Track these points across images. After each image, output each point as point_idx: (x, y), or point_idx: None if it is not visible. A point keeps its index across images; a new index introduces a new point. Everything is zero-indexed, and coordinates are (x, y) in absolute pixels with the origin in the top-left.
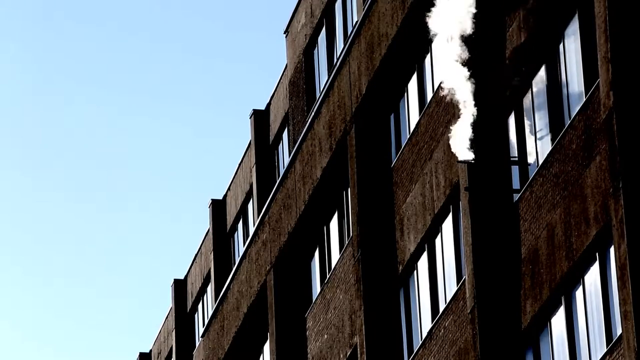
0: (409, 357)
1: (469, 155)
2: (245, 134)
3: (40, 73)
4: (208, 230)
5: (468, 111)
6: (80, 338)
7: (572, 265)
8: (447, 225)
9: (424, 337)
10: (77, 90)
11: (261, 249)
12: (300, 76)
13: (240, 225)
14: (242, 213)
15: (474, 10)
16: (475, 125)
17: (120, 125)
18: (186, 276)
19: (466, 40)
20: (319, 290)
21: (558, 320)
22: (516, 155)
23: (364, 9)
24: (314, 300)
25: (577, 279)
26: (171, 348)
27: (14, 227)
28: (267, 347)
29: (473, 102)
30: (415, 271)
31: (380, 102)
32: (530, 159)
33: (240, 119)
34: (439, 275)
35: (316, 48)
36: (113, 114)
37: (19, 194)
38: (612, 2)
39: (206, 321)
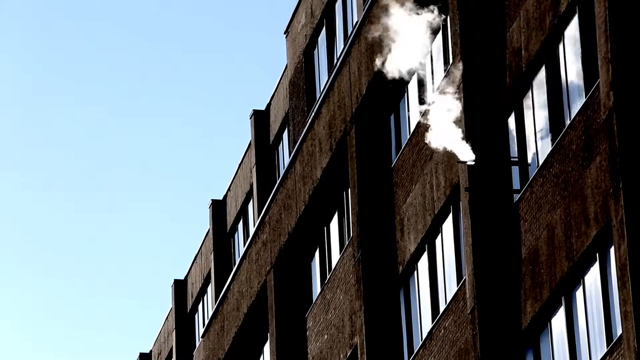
0: (409, 358)
1: (469, 156)
2: (245, 134)
3: (40, 73)
4: (208, 231)
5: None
6: (80, 338)
7: (572, 266)
8: (448, 225)
9: (424, 337)
10: (77, 90)
11: (261, 249)
12: (300, 76)
13: (240, 225)
14: (242, 213)
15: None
16: (473, 125)
17: (120, 125)
18: (186, 276)
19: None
20: (319, 290)
21: (558, 321)
22: (516, 156)
23: (364, 9)
24: (314, 301)
25: (577, 279)
26: (171, 348)
27: (13, 227)
28: (267, 348)
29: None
30: (415, 271)
31: (380, 102)
32: (530, 159)
33: (240, 119)
34: (439, 275)
35: (316, 48)
36: (113, 114)
37: (19, 194)
38: (612, 2)
39: (206, 321)
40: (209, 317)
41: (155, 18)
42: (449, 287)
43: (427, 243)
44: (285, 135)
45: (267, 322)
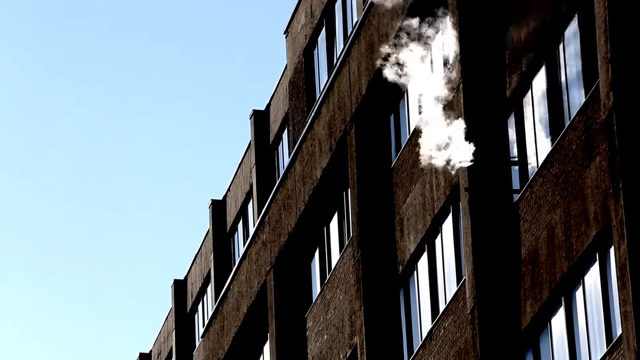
0: (409, 358)
1: (469, 157)
2: (245, 134)
3: (40, 73)
4: (208, 231)
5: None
6: (80, 338)
7: (572, 266)
8: (447, 225)
9: (424, 337)
10: (77, 90)
11: (261, 250)
12: (300, 76)
13: (240, 225)
14: (242, 213)
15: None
16: (473, 127)
17: (119, 125)
18: (186, 276)
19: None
20: (319, 290)
21: (558, 321)
22: (516, 156)
23: (364, 9)
24: (314, 301)
25: (577, 279)
26: (171, 348)
27: (13, 227)
28: (267, 348)
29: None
30: (415, 271)
31: (380, 102)
32: (530, 159)
33: (240, 119)
34: (439, 275)
35: (316, 48)
36: (113, 114)
37: (19, 194)
38: (612, 2)
39: (206, 321)
40: (209, 317)
41: (155, 18)
42: (448, 287)
43: (427, 243)
44: (285, 135)
45: (267, 322)
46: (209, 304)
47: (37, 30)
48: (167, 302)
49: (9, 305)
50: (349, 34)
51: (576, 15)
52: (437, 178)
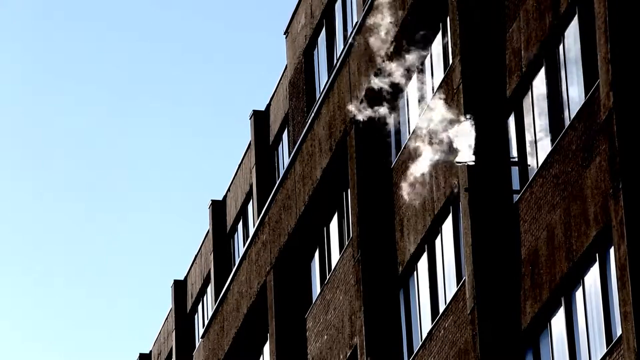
0: (409, 358)
1: (468, 157)
2: (245, 134)
3: (40, 73)
4: (208, 231)
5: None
6: (80, 338)
7: (572, 266)
8: (447, 226)
9: (424, 338)
10: (77, 90)
11: (261, 250)
12: (300, 77)
13: (240, 226)
14: (242, 214)
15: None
16: (475, 126)
17: (119, 125)
18: (186, 277)
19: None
20: (318, 291)
21: (558, 321)
22: (516, 156)
23: (363, 9)
24: (314, 301)
25: (577, 279)
26: (171, 349)
27: (13, 227)
28: (267, 348)
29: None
30: (415, 272)
31: (380, 103)
32: (530, 159)
33: (240, 119)
34: (439, 276)
35: (316, 49)
36: (113, 114)
37: (19, 194)
38: (612, 2)
39: (206, 322)
40: (209, 317)
41: (155, 18)
42: (448, 288)
43: (427, 243)
44: (285, 135)
45: (267, 322)
46: (209, 304)
47: (37, 30)
48: (167, 302)
49: (9, 305)
50: (349, 34)
51: (576, 15)
52: (437, 179)
